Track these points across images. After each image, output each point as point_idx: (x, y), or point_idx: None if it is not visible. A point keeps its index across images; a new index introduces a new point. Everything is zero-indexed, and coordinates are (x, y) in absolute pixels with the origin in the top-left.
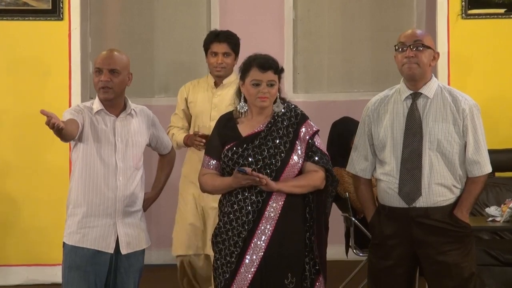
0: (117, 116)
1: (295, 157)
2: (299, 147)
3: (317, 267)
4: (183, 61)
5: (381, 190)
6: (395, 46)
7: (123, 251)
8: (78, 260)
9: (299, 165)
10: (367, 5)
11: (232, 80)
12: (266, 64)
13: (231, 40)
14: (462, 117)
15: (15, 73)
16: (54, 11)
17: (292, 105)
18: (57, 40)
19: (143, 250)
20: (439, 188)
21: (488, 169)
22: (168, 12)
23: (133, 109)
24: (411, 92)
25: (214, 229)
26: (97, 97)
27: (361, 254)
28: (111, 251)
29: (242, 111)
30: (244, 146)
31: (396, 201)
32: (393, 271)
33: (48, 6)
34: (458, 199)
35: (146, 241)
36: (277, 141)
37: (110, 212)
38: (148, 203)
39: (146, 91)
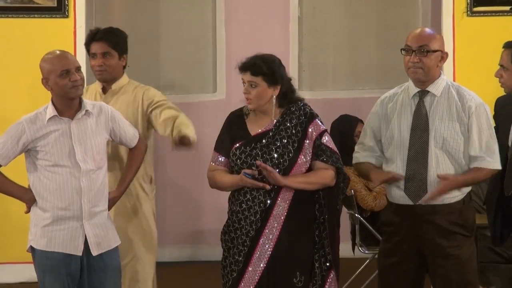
0: (72, 118)
1: (302, 157)
2: (307, 146)
3: (328, 264)
4: (188, 58)
5: (389, 187)
6: (401, 49)
7: (94, 252)
8: (50, 263)
9: (307, 164)
10: (372, 2)
11: (123, 85)
12: (244, 65)
13: (110, 38)
14: (468, 115)
15: (20, 71)
16: (60, 9)
17: (301, 103)
18: (63, 38)
19: (116, 248)
20: None
21: (496, 166)
22: (174, 9)
23: (90, 109)
24: (419, 90)
25: (223, 226)
26: (50, 103)
27: (366, 252)
28: (80, 253)
29: (249, 110)
30: (253, 145)
31: (402, 199)
32: (398, 267)
33: (53, 3)
34: (466, 196)
35: (115, 239)
36: (285, 140)
37: (77, 215)
38: (112, 202)
39: None
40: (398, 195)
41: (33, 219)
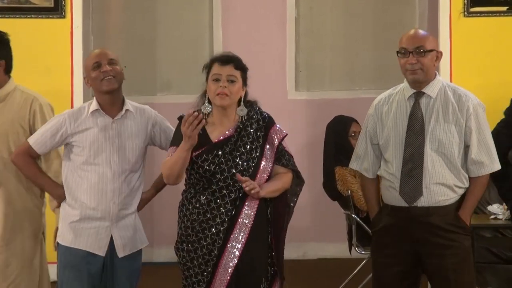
0: (113, 117)
1: (264, 162)
2: (268, 152)
3: (273, 268)
4: (185, 59)
5: (384, 189)
6: (397, 52)
7: (120, 254)
8: (72, 259)
9: (269, 170)
10: (369, 3)
11: (9, 91)
12: (227, 58)
13: None
14: (466, 117)
15: (17, 72)
16: (56, 9)
17: (257, 107)
18: (59, 38)
19: (140, 250)
20: (440, 188)
21: (496, 167)
22: (170, 10)
23: (132, 110)
24: (414, 91)
25: (180, 236)
26: (94, 99)
27: (363, 252)
28: (103, 254)
29: (206, 112)
30: (215, 152)
31: (398, 200)
32: (393, 269)
33: (50, 4)
34: (462, 198)
35: (142, 241)
36: (248, 146)
37: (105, 215)
38: (143, 203)
39: (149, 89)
40: (394, 197)
41: (62, 214)
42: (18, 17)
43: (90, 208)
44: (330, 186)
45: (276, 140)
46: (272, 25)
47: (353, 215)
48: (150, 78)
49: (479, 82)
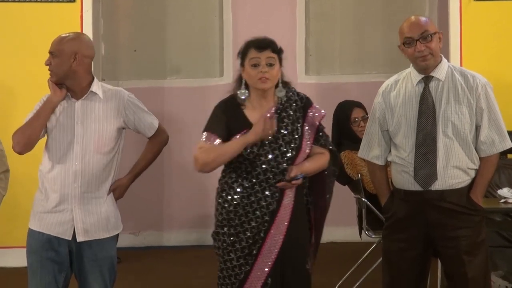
0: (78, 99)
1: (304, 143)
2: (307, 132)
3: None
4: (195, 43)
5: (396, 173)
6: (402, 43)
7: (79, 238)
8: (34, 244)
9: (308, 150)
10: None
11: None
12: (263, 43)
13: None
14: (475, 98)
15: (27, 55)
16: None
17: (293, 88)
18: (69, 22)
19: (113, 238)
20: (454, 171)
21: (507, 145)
22: None
23: (101, 92)
24: (423, 76)
25: (221, 220)
26: None
27: (373, 236)
28: (69, 237)
29: (243, 97)
30: None
31: (411, 185)
32: (405, 253)
33: None
34: (473, 180)
35: (110, 229)
36: (289, 127)
37: (67, 198)
38: (120, 190)
39: (158, 73)
40: (407, 181)
41: (34, 197)
42: (28, 1)
43: (54, 190)
44: (339, 172)
45: (317, 120)
46: (282, 9)
47: (363, 199)
48: (159, 62)
49: (489, 66)
